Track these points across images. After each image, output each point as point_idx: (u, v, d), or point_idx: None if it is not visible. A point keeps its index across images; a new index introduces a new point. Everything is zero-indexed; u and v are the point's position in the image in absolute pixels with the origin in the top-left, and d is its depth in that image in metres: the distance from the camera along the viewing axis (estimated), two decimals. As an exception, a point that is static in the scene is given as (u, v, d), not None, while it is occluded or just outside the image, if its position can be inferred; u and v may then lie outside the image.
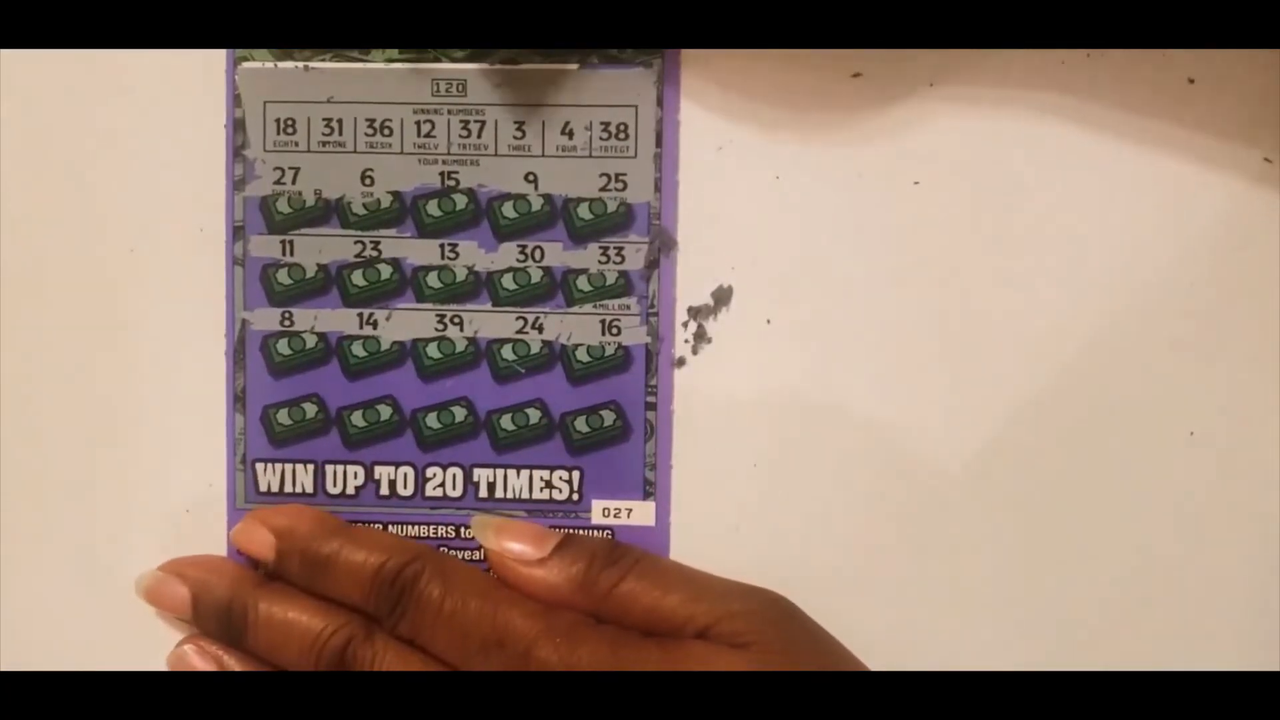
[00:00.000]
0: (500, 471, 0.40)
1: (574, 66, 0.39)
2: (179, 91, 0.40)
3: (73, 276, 0.40)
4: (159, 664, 0.39)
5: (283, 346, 0.40)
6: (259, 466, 0.40)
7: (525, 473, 0.40)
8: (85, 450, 0.40)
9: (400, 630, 0.38)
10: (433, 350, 0.40)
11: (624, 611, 0.38)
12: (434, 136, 0.40)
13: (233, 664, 0.39)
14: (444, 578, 0.38)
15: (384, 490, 0.40)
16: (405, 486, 0.40)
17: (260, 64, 0.40)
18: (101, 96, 0.40)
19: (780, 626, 0.38)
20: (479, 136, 0.40)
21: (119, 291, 0.40)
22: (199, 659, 0.39)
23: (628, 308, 0.40)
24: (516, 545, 0.39)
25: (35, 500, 0.40)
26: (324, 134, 0.40)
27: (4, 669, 0.40)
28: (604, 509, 0.40)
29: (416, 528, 0.40)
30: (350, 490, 0.40)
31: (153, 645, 0.40)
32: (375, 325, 0.40)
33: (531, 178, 0.40)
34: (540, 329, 0.40)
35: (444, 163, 0.40)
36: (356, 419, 0.40)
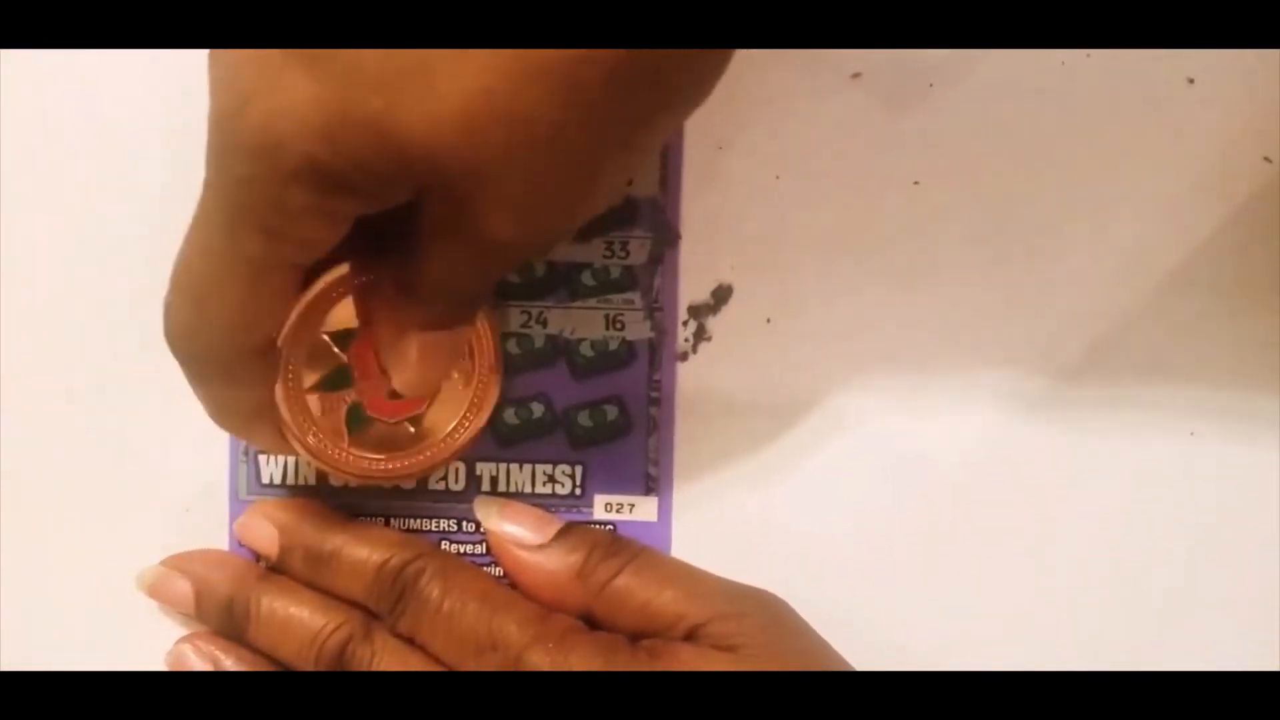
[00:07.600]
0: (503, 465, 0.40)
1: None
2: (188, 86, 0.40)
3: (72, 271, 0.40)
4: (158, 663, 0.40)
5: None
6: (262, 458, 0.40)
7: (528, 467, 0.40)
8: (85, 444, 0.40)
9: (400, 628, 0.38)
10: (437, 344, 0.40)
11: (617, 606, 0.38)
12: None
13: (229, 663, 0.39)
14: (444, 578, 0.38)
15: (387, 483, 0.40)
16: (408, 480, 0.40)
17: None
18: (107, 91, 0.40)
19: (770, 630, 0.38)
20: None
21: (120, 284, 0.40)
22: (196, 658, 0.39)
23: (631, 302, 0.40)
24: (517, 528, 0.39)
25: (35, 497, 0.41)
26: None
27: (4, 669, 0.40)
28: (606, 503, 0.41)
29: (419, 521, 0.40)
30: (352, 483, 0.40)
31: (153, 644, 0.40)
32: (379, 319, 0.40)
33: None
34: (544, 323, 0.40)
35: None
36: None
